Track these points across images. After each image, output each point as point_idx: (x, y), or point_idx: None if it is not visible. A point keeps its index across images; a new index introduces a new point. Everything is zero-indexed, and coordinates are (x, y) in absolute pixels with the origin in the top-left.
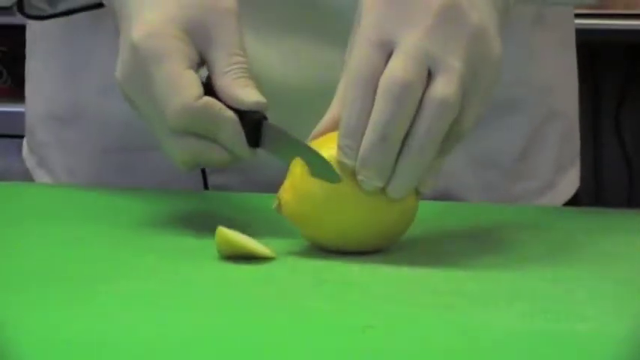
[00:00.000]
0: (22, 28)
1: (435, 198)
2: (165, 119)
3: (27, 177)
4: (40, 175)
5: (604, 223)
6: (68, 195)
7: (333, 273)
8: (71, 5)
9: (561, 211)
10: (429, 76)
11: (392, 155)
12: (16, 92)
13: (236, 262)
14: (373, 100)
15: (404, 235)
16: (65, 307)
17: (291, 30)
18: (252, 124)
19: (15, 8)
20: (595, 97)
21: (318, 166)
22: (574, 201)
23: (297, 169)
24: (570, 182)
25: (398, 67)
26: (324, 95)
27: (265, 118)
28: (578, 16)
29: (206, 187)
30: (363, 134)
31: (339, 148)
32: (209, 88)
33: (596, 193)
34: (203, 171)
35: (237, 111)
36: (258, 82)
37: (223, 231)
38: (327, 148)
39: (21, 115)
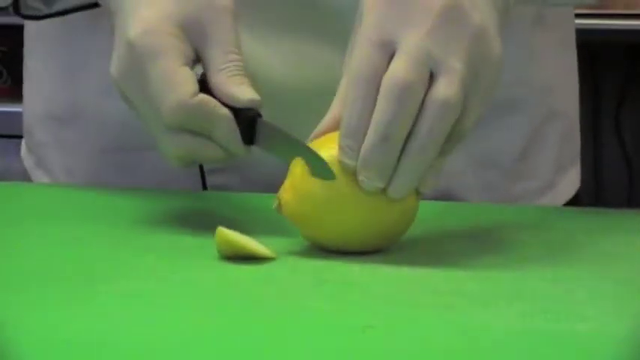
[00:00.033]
0: (22, 28)
1: (436, 198)
2: (161, 116)
3: (26, 177)
4: (39, 176)
5: (604, 223)
6: (67, 195)
7: (334, 273)
8: (67, 5)
9: (561, 211)
10: (431, 76)
11: (393, 156)
12: (16, 92)
13: (236, 262)
14: (374, 100)
15: (404, 235)
16: (65, 307)
17: (291, 30)
18: (247, 121)
19: (10, 8)
20: (595, 97)
21: (313, 164)
22: (574, 201)
23: (298, 169)
24: (570, 182)
25: (400, 68)
26: (323, 95)
27: (260, 115)
28: (578, 16)
29: (205, 186)
30: (364, 134)
31: (340, 148)
32: (204, 85)
33: (596, 193)
34: (202, 171)
35: (232, 108)
36: (255, 80)
37: (223, 231)
38: (328, 148)
39: (21, 115)
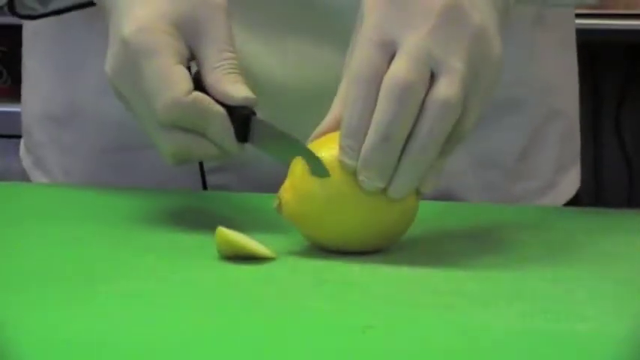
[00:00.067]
0: (22, 28)
1: (436, 198)
2: (155, 114)
3: (26, 177)
4: (37, 176)
5: (604, 223)
6: (67, 195)
7: (334, 273)
8: (62, 4)
9: (561, 211)
10: (431, 76)
11: (393, 156)
12: (16, 92)
13: (236, 262)
14: (375, 100)
15: (404, 235)
16: (65, 307)
17: (291, 30)
18: (241, 119)
19: (6, 8)
20: (595, 97)
21: (308, 162)
22: (575, 201)
23: (298, 168)
24: (571, 182)
25: (400, 68)
26: (324, 95)
27: (254, 113)
28: (578, 16)
29: (205, 186)
30: (364, 134)
31: (341, 148)
32: (198, 84)
33: (596, 193)
34: (202, 170)
35: (226, 106)
36: (255, 80)
37: (223, 231)
38: (328, 148)
39: (20, 115)
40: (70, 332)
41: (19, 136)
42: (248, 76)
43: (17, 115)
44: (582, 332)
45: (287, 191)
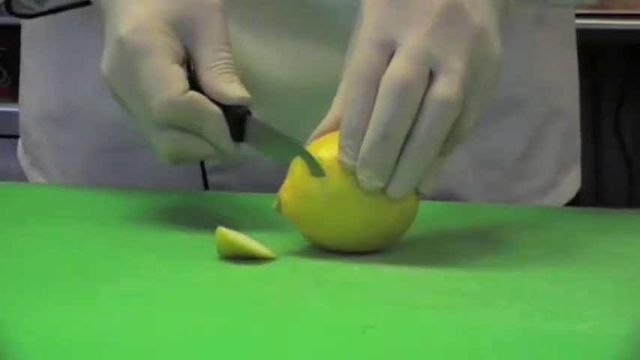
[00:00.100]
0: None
1: (436, 198)
2: (151, 113)
3: (25, 177)
4: (34, 176)
5: (604, 223)
6: (67, 195)
7: (334, 273)
8: (58, 3)
9: (561, 211)
10: (431, 76)
11: (392, 155)
12: (16, 92)
13: (236, 262)
14: (374, 100)
15: (404, 235)
16: (65, 307)
17: (291, 30)
18: (237, 118)
19: (3, 7)
20: (595, 97)
21: (304, 161)
22: (576, 201)
23: (297, 168)
24: (572, 182)
25: (399, 67)
26: (323, 95)
27: (249, 112)
28: (578, 16)
29: (206, 185)
30: (364, 134)
31: (340, 147)
32: (194, 83)
33: (596, 193)
34: (203, 169)
35: (221, 106)
36: (255, 80)
37: (223, 231)
38: (328, 148)
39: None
40: (70, 332)
41: (19, 137)
42: (247, 76)
43: (17, 115)
44: (582, 332)
45: (287, 191)
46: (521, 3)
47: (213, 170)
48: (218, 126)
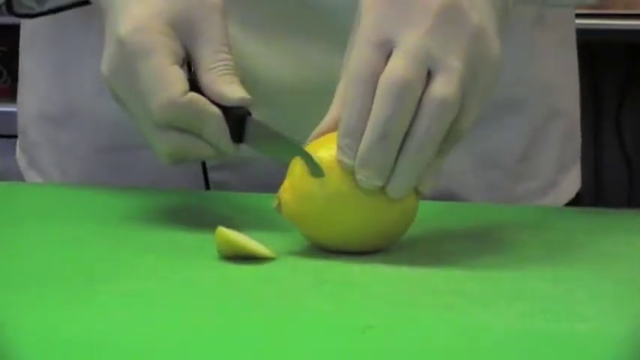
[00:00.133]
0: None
1: (436, 198)
2: (151, 114)
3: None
4: (32, 176)
5: (604, 223)
6: (67, 195)
7: (334, 273)
8: (58, 3)
9: (561, 211)
10: (429, 75)
11: (391, 154)
12: (16, 92)
13: (236, 262)
14: (373, 99)
15: (404, 235)
16: (64, 307)
17: (290, 31)
18: (237, 119)
19: (3, 7)
20: (595, 98)
21: (304, 162)
22: (576, 201)
23: (297, 168)
24: (572, 181)
25: (398, 67)
26: (323, 96)
27: (249, 113)
28: (578, 16)
29: (207, 184)
30: (362, 134)
31: (339, 147)
32: (194, 84)
33: (596, 193)
34: (204, 168)
35: (221, 107)
36: (254, 81)
37: (223, 231)
38: (327, 148)
39: None
40: (70, 332)
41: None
42: (247, 76)
43: (17, 115)
44: (582, 332)
45: (286, 191)
46: (521, 3)
47: (213, 168)
48: (218, 127)
